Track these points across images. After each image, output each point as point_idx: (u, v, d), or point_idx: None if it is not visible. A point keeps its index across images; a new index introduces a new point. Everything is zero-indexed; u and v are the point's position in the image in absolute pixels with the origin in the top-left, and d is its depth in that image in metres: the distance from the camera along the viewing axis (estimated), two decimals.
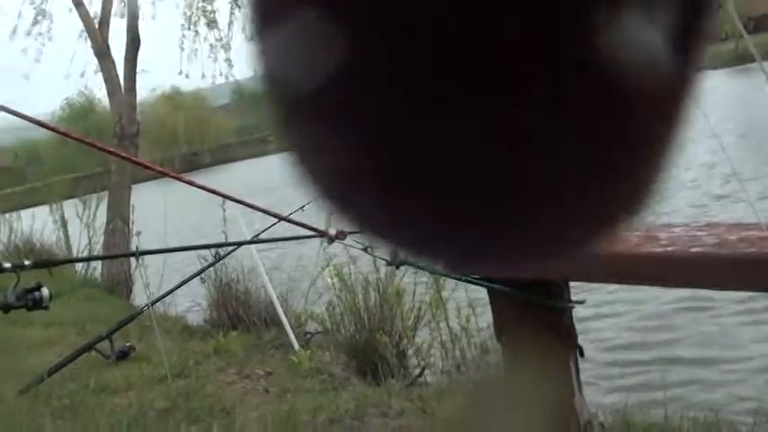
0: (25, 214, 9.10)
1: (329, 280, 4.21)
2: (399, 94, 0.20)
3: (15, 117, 1.99)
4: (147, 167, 2.63)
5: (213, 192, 2.33)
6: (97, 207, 8.14)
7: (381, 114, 0.20)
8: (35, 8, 8.91)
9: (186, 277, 4.20)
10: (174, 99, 41.20)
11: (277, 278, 4.87)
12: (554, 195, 0.21)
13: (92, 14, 8.00)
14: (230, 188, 2.65)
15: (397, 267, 2.30)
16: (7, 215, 9.11)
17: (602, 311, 4.54)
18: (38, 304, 2.48)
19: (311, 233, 2.32)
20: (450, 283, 3.40)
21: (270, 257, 5.31)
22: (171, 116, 39.59)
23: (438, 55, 0.19)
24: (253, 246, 4.19)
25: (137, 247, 3.75)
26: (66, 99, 36.38)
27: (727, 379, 3.54)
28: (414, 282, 3.98)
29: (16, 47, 9.03)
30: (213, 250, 4.01)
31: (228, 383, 3.51)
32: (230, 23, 9.09)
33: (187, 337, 4.65)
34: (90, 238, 8.03)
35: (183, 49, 9.10)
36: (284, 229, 3.13)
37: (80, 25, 8.06)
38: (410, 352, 3.98)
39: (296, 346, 3.95)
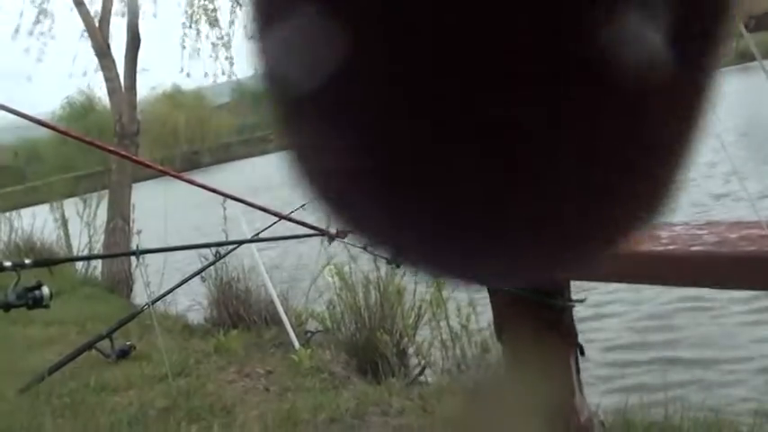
0: (25, 213, 9.10)
1: (329, 279, 4.21)
2: (400, 93, 0.20)
3: (15, 116, 1.99)
4: (148, 166, 2.63)
5: (213, 190, 2.33)
6: (98, 206, 8.14)
7: (381, 114, 0.20)
8: (36, 7, 8.91)
9: (187, 276, 4.20)
10: (174, 98, 41.21)
11: (277, 277, 4.87)
12: (562, 199, 0.21)
13: (92, 13, 8.01)
14: (231, 187, 2.65)
15: (398, 266, 2.30)
16: (7, 214, 9.10)
17: (602, 311, 4.53)
18: (38, 303, 2.48)
19: (312, 232, 2.32)
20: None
21: (270, 256, 5.31)
22: (171, 115, 39.59)
23: (439, 54, 0.19)
24: (253, 244, 4.19)
25: (137, 246, 3.75)
26: (67, 98, 36.41)
27: (727, 379, 3.54)
28: (414, 280, 3.97)
29: (16, 46, 9.04)
30: (214, 249, 4.01)
31: (229, 382, 3.51)
32: (231, 21, 9.09)
33: (188, 335, 4.66)
34: (90, 237, 8.03)
35: (184, 48, 9.10)
36: (285, 228, 3.13)
37: (81, 24, 8.07)
38: (411, 351, 3.98)
39: (296, 344, 3.95)
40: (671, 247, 1.39)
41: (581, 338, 1.83)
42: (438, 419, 2.84)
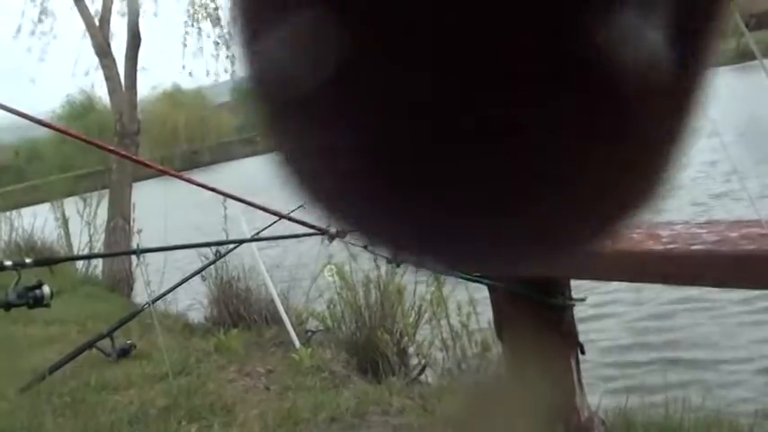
0: (26, 212, 9.10)
1: (329, 278, 4.21)
2: (394, 94, 0.20)
3: (16, 116, 1.99)
4: (148, 165, 2.63)
5: (214, 190, 2.33)
6: (98, 205, 8.14)
7: (374, 116, 0.20)
8: (37, 6, 8.91)
9: (187, 275, 4.19)
10: (174, 97, 41.22)
11: (278, 276, 4.87)
12: (556, 192, 0.21)
13: (92, 12, 8.01)
14: (231, 186, 2.65)
15: (398, 265, 2.30)
16: (8, 213, 9.10)
17: (602, 312, 4.54)
18: (39, 302, 2.48)
19: (312, 231, 2.32)
20: (450, 280, 3.40)
21: (270, 255, 5.31)
22: (171, 114, 39.60)
23: (436, 55, 0.19)
24: (253, 243, 4.19)
25: (137, 245, 3.75)
26: (67, 97, 36.42)
27: (727, 380, 3.54)
28: (415, 279, 3.98)
29: (19, 46, 9.04)
30: (214, 248, 4.00)
31: (229, 381, 3.51)
32: None
33: (188, 334, 4.66)
34: (91, 236, 8.03)
35: (185, 46, 9.11)
36: (285, 227, 3.12)
37: (82, 23, 8.07)
38: (411, 350, 3.98)
39: (297, 343, 3.95)
40: (671, 246, 1.39)
41: (581, 338, 1.83)
42: (438, 419, 2.84)
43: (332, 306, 4.31)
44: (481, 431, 1.81)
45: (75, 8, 7.94)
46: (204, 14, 9.15)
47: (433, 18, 0.18)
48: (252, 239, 3.82)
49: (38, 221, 8.53)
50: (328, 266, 4.19)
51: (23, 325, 4.59)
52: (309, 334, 4.42)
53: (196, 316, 5.39)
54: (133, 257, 5.09)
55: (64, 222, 8.31)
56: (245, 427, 2.88)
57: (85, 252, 7.79)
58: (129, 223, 7.59)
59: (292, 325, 4.14)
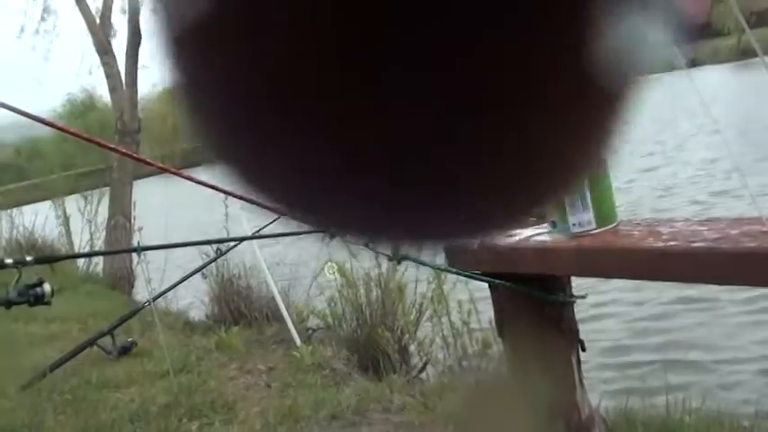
0: (27, 210, 9.10)
1: (330, 276, 4.21)
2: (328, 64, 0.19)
3: (16, 114, 1.99)
4: (149, 163, 2.63)
5: (214, 188, 2.33)
6: (99, 203, 8.14)
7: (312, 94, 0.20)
8: (40, 5, 8.91)
9: (188, 273, 4.19)
10: None
11: (279, 273, 4.87)
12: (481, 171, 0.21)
13: (93, 10, 8.00)
14: (232, 184, 2.64)
15: (399, 263, 2.30)
16: (9, 211, 9.10)
17: (602, 312, 4.53)
18: (39, 300, 2.48)
19: (313, 229, 2.31)
20: (451, 277, 3.40)
21: (271, 253, 5.31)
22: (172, 112, 39.55)
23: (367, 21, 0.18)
24: (254, 241, 4.19)
25: (138, 243, 3.74)
26: (68, 95, 36.42)
27: (727, 381, 3.54)
28: (415, 277, 3.98)
29: (22, 46, 9.05)
30: (215, 246, 4.00)
31: (230, 379, 3.51)
32: None
33: (189, 332, 4.66)
34: (92, 234, 8.03)
35: None
36: (286, 225, 3.12)
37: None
38: (412, 347, 3.98)
39: (298, 341, 3.95)
40: (672, 244, 1.39)
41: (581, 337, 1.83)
42: (439, 416, 2.84)
43: (333, 303, 4.31)
44: (482, 428, 1.81)
45: (77, 6, 7.94)
46: None
47: None
48: (253, 237, 3.82)
49: (39, 219, 8.53)
50: (329, 264, 4.19)
51: (24, 323, 4.60)
52: (310, 331, 4.42)
53: (197, 314, 5.39)
54: (134, 255, 5.08)
55: (65, 220, 8.30)
56: (245, 424, 2.88)
57: (86, 250, 7.79)
58: (130, 221, 7.60)
59: (293, 322, 4.14)
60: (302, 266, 5.00)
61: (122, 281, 7.21)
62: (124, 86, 7.78)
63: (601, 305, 4.51)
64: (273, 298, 4.43)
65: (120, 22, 8.19)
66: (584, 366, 1.83)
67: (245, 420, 2.91)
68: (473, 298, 3.47)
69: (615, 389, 3.44)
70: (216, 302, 5.15)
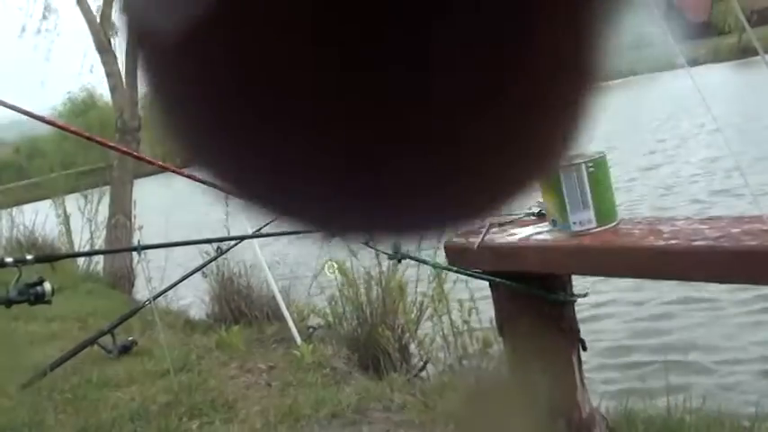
0: (27, 209, 9.10)
1: (330, 274, 4.20)
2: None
3: (16, 113, 1.99)
4: (149, 162, 2.62)
5: (215, 186, 2.32)
6: (99, 202, 8.14)
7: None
8: (40, 3, 8.91)
9: (188, 272, 4.19)
10: None
11: (279, 272, 4.87)
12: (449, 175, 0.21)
13: (94, 9, 8.00)
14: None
15: (399, 261, 2.30)
16: (9, 210, 9.10)
17: (602, 312, 4.53)
18: (40, 299, 2.48)
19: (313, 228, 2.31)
20: (451, 276, 3.40)
21: (272, 252, 5.31)
22: None
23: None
24: (255, 240, 4.19)
25: (138, 242, 3.74)
26: (68, 94, 36.42)
27: (727, 381, 3.53)
28: (416, 276, 3.97)
29: (22, 45, 9.05)
30: (215, 245, 4.00)
31: (231, 378, 3.51)
32: None
33: (189, 331, 4.66)
34: (92, 233, 8.03)
35: None
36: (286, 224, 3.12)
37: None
38: (412, 346, 3.98)
39: (298, 340, 3.95)
40: (673, 242, 1.39)
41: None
42: (440, 415, 2.84)
43: (333, 302, 4.31)
44: (483, 427, 1.81)
45: (77, 5, 7.94)
46: None
47: None
48: (253, 236, 3.82)
49: (39, 218, 8.54)
50: (329, 263, 4.19)
51: (24, 322, 4.60)
52: (311, 330, 4.42)
53: (197, 313, 5.39)
54: (134, 254, 5.08)
55: (65, 219, 8.31)
56: (246, 423, 2.88)
57: (87, 249, 7.79)
58: (131, 220, 7.60)
59: (294, 321, 4.14)
60: (303, 265, 5.00)
61: (123, 280, 7.21)
62: (125, 85, 7.78)
63: (601, 305, 4.51)
64: (274, 297, 4.43)
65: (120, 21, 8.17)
66: (583, 367, 1.83)
67: (246, 419, 2.91)
68: (474, 297, 3.47)
69: (615, 389, 3.43)
70: (216, 301, 5.15)
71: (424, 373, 3.78)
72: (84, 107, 36.58)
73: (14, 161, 34.26)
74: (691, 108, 11.22)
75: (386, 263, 3.90)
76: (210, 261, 4.32)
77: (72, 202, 8.44)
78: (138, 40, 0.20)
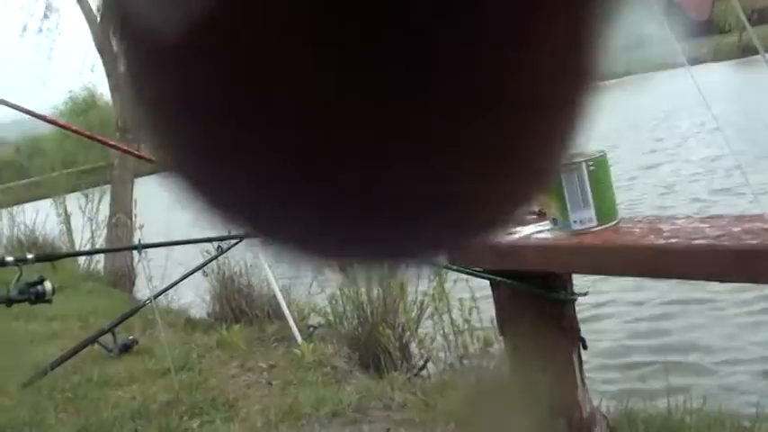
0: (28, 208, 9.11)
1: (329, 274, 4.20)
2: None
3: (17, 112, 1.99)
4: (150, 161, 2.62)
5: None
6: (100, 201, 8.15)
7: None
8: (41, 2, 8.91)
9: (189, 271, 4.20)
10: None
11: (280, 271, 4.87)
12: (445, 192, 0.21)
13: (94, 8, 8.00)
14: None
15: None
16: (10, 209, 9.11)
17: (602, 312, 4.53)
18: (40, 298, 2.48)
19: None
20: (452, 275, 3.40)
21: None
22: None
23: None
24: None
25: (139, 241, 3.75)
26: (69, 93, 36.43)
27: (728, 382, 3.53)
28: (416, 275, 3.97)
29: (24, 45, 9.05)
30: (216, 244, 4.00)
31: (231, 376, 3.51)
32: None
33: (190, 330, 4.66)
34: (93, 232, 8.04)
35: None
36: None
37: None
38: (413, 345, 3.98)
39: (299, 339, 3.95)
40: (673, 241, 1.38)
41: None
42: (440, 414, 2.84)
43: (334, 301, 4.31)
44: (483, 426, 1.81)
45: (78, 4, 7.94)
46: None
47: None
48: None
49: (39, 217, 8.55)
50: None
51: (25, 321, 4.60)
52: (311, 329, 4.42)
53: (198, 311, 5.39)
54: (135, 253, 5.08)
55: (66, 218, 8.32)
56: (246, 422, 2.88)
57: (87, 248, 7.80)
58: (131, 219, 7.60)
59: (294, 320, 4.14)
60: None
61: (123, 279, 7.22)
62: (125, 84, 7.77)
63: (601, 305, 4.51)
64: (275, 296, 4.43)
65: None
66: (584, 367, 1.83)
67: (246, 418, 2.91)
68: (474, 296, 3.47)
69: (615, 389, 3.43)
70: (217, 300, 5.15)
71: (424, 372, 3.78)
72: (85, 106, 36.59)
73: (15, 160, 34.26)
74: (691, 107, 11.21)
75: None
76: (211, 260, 4.32)
77: (73, 200, 8.45)
78: (126, 39, 0.20)
